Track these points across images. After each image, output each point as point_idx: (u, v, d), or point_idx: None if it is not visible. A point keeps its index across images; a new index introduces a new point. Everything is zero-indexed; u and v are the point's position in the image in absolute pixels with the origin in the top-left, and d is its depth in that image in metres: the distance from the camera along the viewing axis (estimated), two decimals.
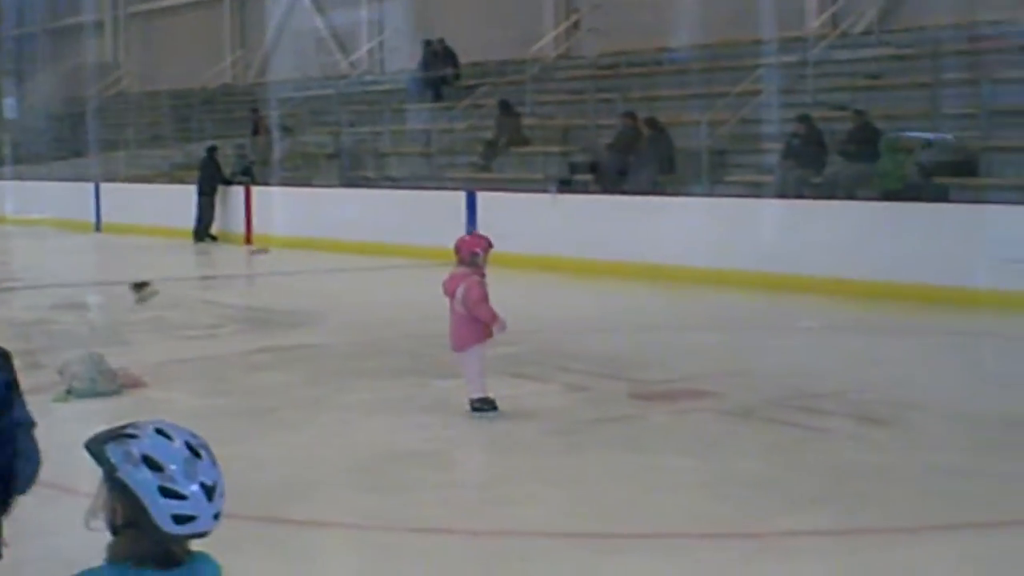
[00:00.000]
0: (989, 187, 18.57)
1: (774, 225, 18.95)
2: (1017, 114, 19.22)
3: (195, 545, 3.32)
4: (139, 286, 17.04)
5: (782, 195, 20.27)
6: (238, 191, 28.95)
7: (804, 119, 20.80)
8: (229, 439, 9.83)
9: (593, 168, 23.62)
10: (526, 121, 26.64)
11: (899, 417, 10.28)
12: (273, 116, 32.73)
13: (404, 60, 33.11)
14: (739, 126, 22.71)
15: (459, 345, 10.51)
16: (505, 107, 26.60)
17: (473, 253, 10.51)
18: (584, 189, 23.28)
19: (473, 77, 30.26)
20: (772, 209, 19.68)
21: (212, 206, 28.84)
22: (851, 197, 19.39)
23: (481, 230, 22.62)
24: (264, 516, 7.73)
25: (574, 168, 24.37)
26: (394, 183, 27.53)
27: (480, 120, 27.70)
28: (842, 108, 21.37)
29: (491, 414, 10.35)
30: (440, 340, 14.35)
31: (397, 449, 9.48)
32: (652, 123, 22.85)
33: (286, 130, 32.01)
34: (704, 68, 24.67)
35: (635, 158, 22.59)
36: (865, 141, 19.78)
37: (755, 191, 21.02)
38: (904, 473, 8.74)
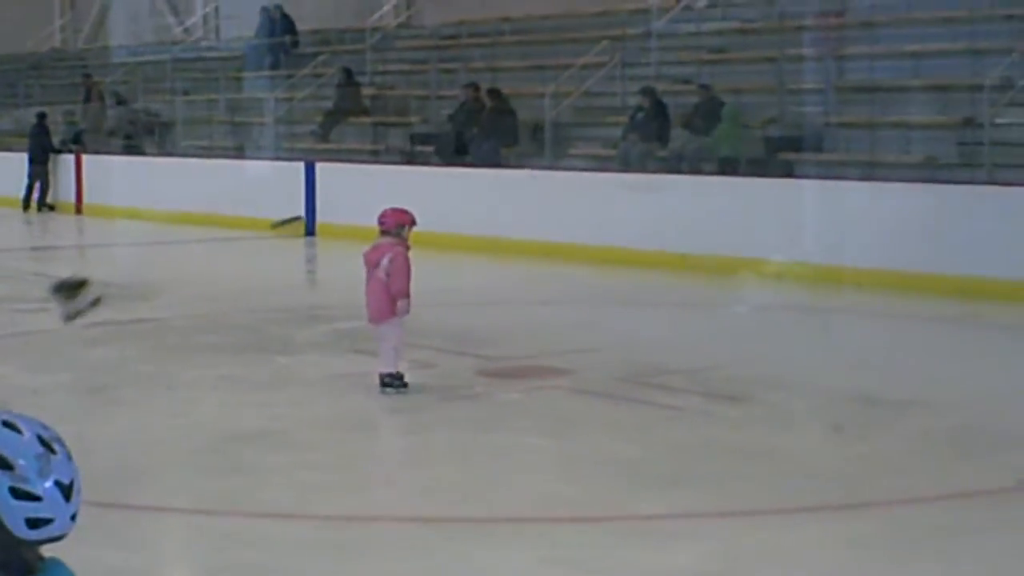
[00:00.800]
0: (834, 163, 18.61)
1: (618, 199, 18.78)
2: (861, 90, 19.28)
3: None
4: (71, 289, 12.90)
5: (626, 168, 20.14)
6: (68, 159, 28.22)
7: (648, 92, 20.68)
8: (63, 418, 9.34)
9: (434, 140, 23.34)
10: (366, 91, 26.25)
11: (752, 395, 10.15)
12: (106, 83, 31.93)
13: (241, 27, 32.47)
14: (583, 99, 22.53)
15: (378, 316, 10.21)
16: (345, 76, 26.19)
17: (400, 225, 10.41)
18: (425, 161, 22.99)
19: (312, 45, 29.76)
20: (616, 183, 19.52)
21: (46, 174, 28.08)
22: (695, 171, 19.33)
23: (320, 202, 22.39)
24: (101, 501, 7.30)
25: (415, 140, 24.07)
26: (231, 153, 27.00)
27: (319, 89, 27.25)
28: (687, 81, 21.31)
29: (401, 391, 10.03)
30: (280, 315, 14.11)
31: (240, 429, 9.14)
32: (495, 94, 22.61)
33: (119, 97, 31.25)
34: (548, 40, 24.47)
35: (477, 130, 22.34)
36: (710, 115, 19.74)
37: (599, 164, 20.88)
38: (759, 453, 8.59)
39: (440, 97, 24.66)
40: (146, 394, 10.29)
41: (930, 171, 17.47)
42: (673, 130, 20.39)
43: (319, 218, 22.42)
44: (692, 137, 19.91)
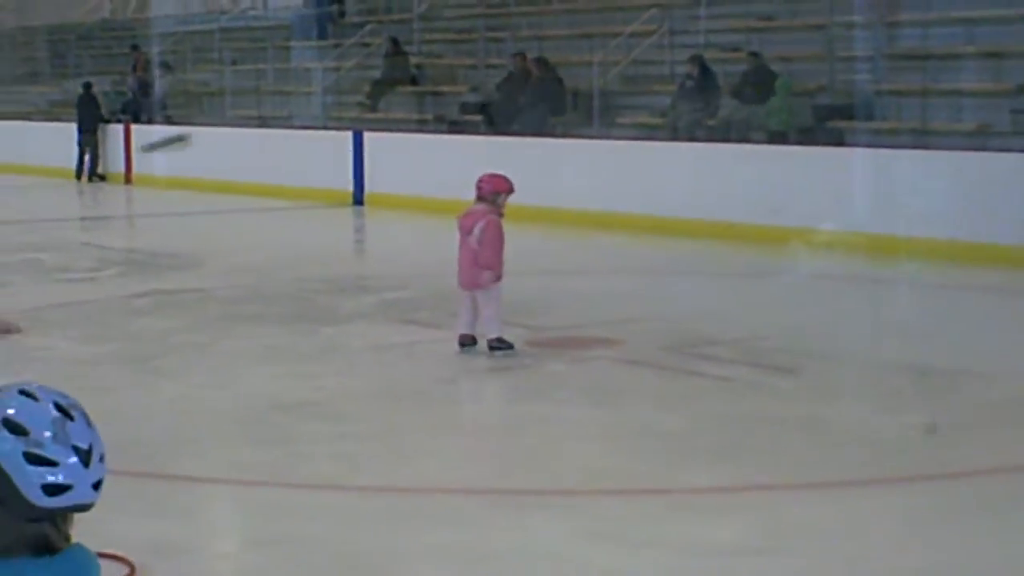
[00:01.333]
0: (884, 131, 18.43)
1: (668, 168, 18.65)
2: (912, 58, 19.07)
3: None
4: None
5: (675, 138, 20.00)
6: (117, 130, 28.25)
7: (696, 60, 20.53)
8: (109, 388, 9.45)
9: (483, 109, 23.24)
10: (414, 60, 26.15)
11: (802, 366, 10.04)
12: (154, 53, 31.94)
13: None
14: (631, 67, 22.39)
15: (471, 283, 10.22)
16: (393, 45, 26.10)
17: (496, 192, 10.37)
18: (473, 130, 22.90)
19: (359, 15, 29.69)
20: (666, 152, 19.38)
21: (96, 144, 28.14)
22: (744, 140, 19.18)
23: (368, 171, 22.34)
24: (145, 472, 7.33)
25: (463, 109, 23.98)
26: (279, 123, 26.98)
27: (367, 59, 27.18)
28: (735, 49, 21.14)
29: (508, 353, 10.08)
30: (327, 285, 14.07)
31: (284, 399, 9.09)
32: (542, 63, 22.48)
33: (166, 67, 31.25)
34: (595, 7, 24.29)
35: (525, 99, 22.22)
36: (760, 83, 19.58)
37: (648, 133, 20.75)
38: (808, 425, 8.49)
39: (488, 66, 24.56)
40: (191, 364, 10.25)
41: (982, 139, 17.28)
42: (722, 98, 20.24)
43: (367, 188, 22.38)
44: (741, 106, 19.76)
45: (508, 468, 7.60)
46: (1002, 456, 7.76)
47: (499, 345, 10.15)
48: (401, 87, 25.60)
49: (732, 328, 11.53)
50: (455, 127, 23.56)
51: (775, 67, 20.19)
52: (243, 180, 24.17)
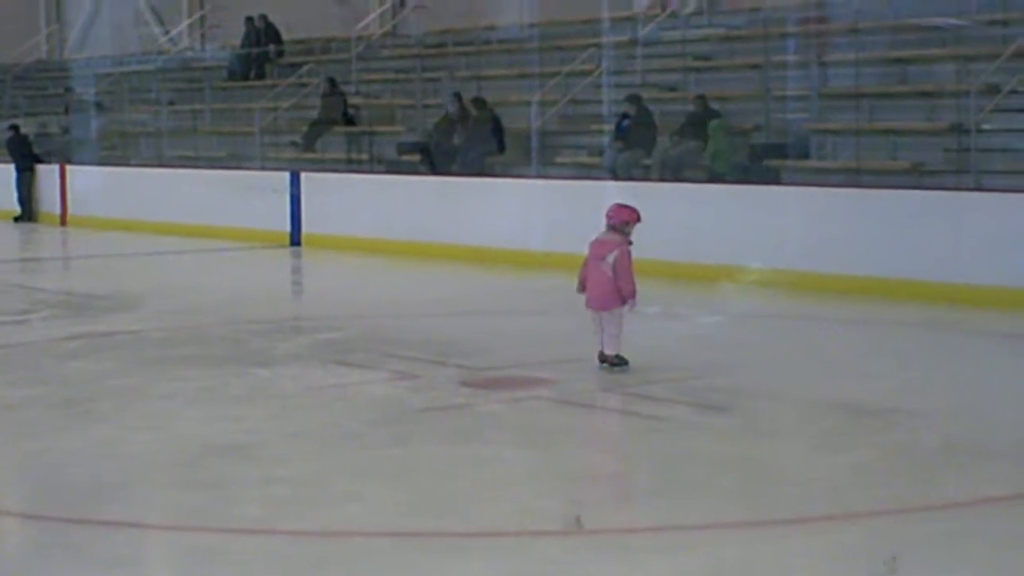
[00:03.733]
0: (819, 170, 18.53)
1: (605, 208, 18.62)
2: (846, 97, 19.19)
3: None
4: None
5: (612, 177, 20.05)
6: (52, 170, 28.09)
7: (634, 100, 20.61)
8: (39, 432, 9.33)
9: (420, 149, 23.24)
10: (352, 100, 26.14)
11: (737, 404, 10.04)
12: (90, 92, 31.79)
13: (226, 36, 32.36)
14: (570, 107, 22.46)
15: (602, 305, 11.11)
16: (330, 86, 26.08)
17: (625, 222, 11.28)
18: (411, 171, 22.89)
19: (297, 55, 29.68)
20: (603, 191, 19.39)
21: (29, 184, 28.02)
22: (679, 179, 19.23)
23: (306, 212, 22.26)
24: (72, 517, 7.24)
25: (400, 149, 23.96)
26: (216, 163, 26.88)
27: (305, 99, 27.15)
28: (672, 89, 21.24)
29: (624, 369, 11.00)
30: (262, 326, 13.98)
31: (215, 442, 8.99)
32: (480, 103, 22.51)
33: (101, 107, 31.12)
34: (533, 48, 24.37)
35: (463, 139, 22.23)
36: (702, 125, 19.68)
37: (586, 172, 20.80)
38: (743, 463, 8.47)
39: (426, 106, 24.60)
40: (122, 408, 10.14)
41: (916, 177, 17.40)
42: (659, 137, 20.31)
43: (304, 228, 22.30)
44: (678, 144, 19.82)
45: (439, 511, 7.53)
46: (932, 495, 7.77)
47: (617, 362, 11.04)
48: (338, 127, 25.57)
49: (667, 367, 11.52)
50: (392, 167, 23.55)
51: (712, 107, 20.29)
52: (180, 221, 24.05)
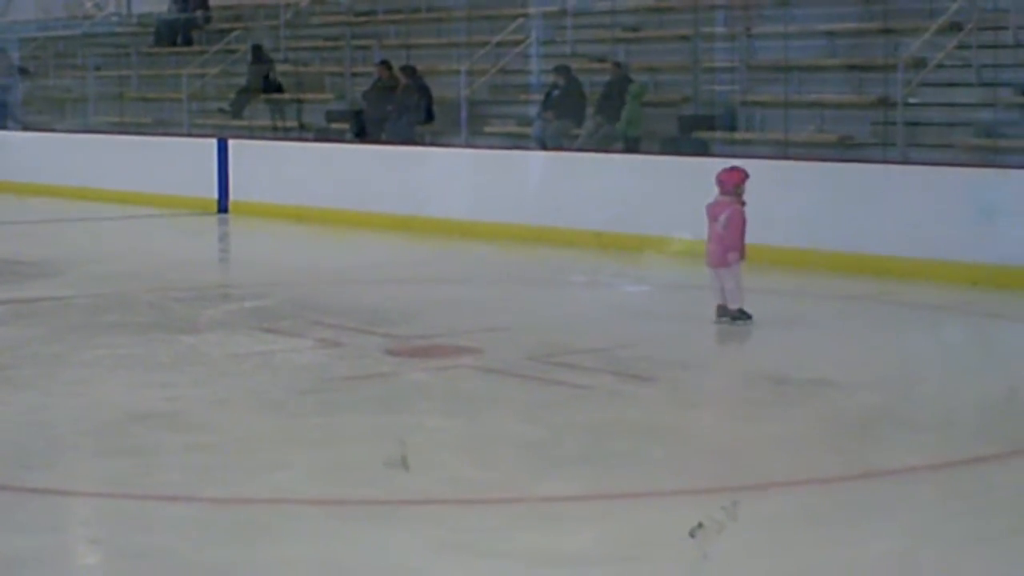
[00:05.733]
0: (747, 141, 18.60)
1: (535, 177, 18.68)
2: (775, 69, 19.25)
3: None
4: None
5: (541, 147, 20.05)
6: None
7: (563, 70, 20.60)
8: None
9: (350, 117, 23.15)
10: (280, 68, 25.99)
11: (662, 374, 10.08)
12: (14, 58, 31.44)
13: (153, 2, 32.07)
14: (499, 76, 22.42)
15: (719, 263, 11.77)
16: (258, 53, 25.91)
17: (736, 185, 11.89)
18: (339, 139, 22.81)
19: (225, 21, 29.46)
20: (533, 161, 19.42)
21: None
22: (607, 150, 19.27)
23: (233, 179, 22.13)
24: None
25: (329, 117, 23.87)
26: (142, 129, 26.68)
27: (232, 66, 26.96)
28: (602, 60, 21.24)
29: (748, 322, 11.71)
30: (188, 293, 13.90)
31: (139, 409, 8.93)
32: (409, 72, 22.44)
33: (26, 72, 30.80)
34: (463, 17, 24.29)
35: (392, 107, 22.17)
36: (621, 94, 19.71)
37: (515, 142, 20.79)
38: (667, 433, 8.52)
39: (354, 74, 24.50)
40: (46, 375, 10.05)
41: (844, 150, 17.50)
42: (588, 108, 20.32)
43: (232, 196, 22.17)
44: (602, 116, 19.86)
45: (364, 479, 7.52)
46: (853, 464, 7.83)
47: (739, 315, 11.71)
48: (266, 95, 25.42)
49: (594, 337, 11.55)
50: (321, 135, 23.45)
51: (641, 78, 20.33)
52: (106, 188, 23.85)
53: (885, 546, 6.42)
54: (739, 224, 11.78)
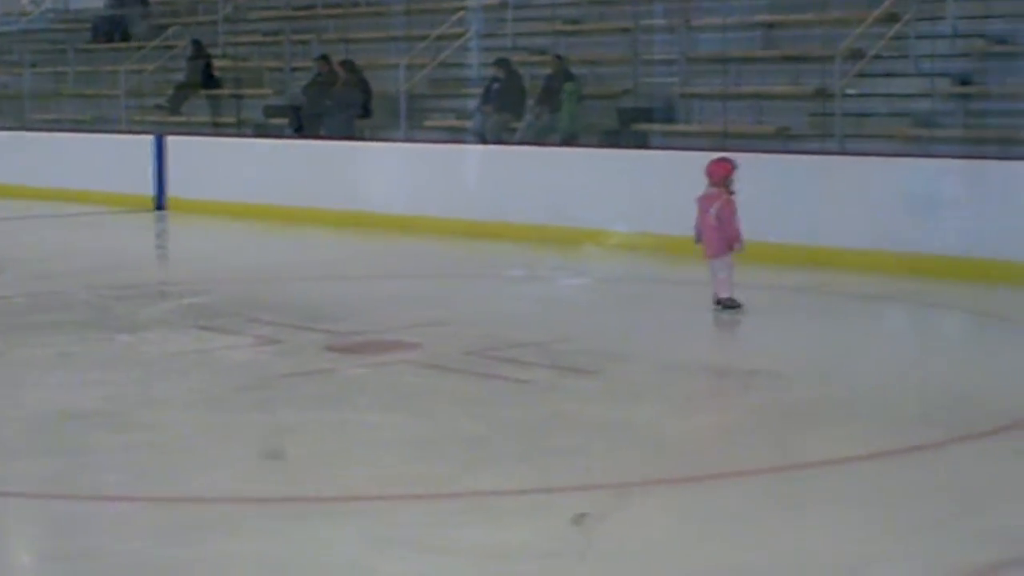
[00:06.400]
0: (687, 133, 18.63)
1: (475, 171, 18.65)
2: (714, 61, 19.29)
3: None
4: None
5: (481, 141, 20.03)
6: None
7: (503, 63, 20.58)
8: None
9: (288, 112, 23.05)
10: (218, 63, 25.85)
11: (602, 367, 10.07)
12: None
13: None
14: (439, 70, 22.37)
15: (710, 252, 12.07)
16: (196, 48, 25.77)
17: (724, 176, 12.17)
18: (278, 134, 22.72)
19: (163, 16, 29.29)
20: (472, 155, 19.38)
21: None
22: (546, 143, 19.27)
23: (171, 176, 22.01)
24: None
25: (268, 112, 23.76)
26: (80, 127, 26.49)
27: (171, 62, 26.81)
28: (542, 53, 21.24)
29: (738, 311, 11.96)
30: (126, 291, 13.81)
31: (76, 409, 8.88)
32: (348, 66, 22.38)
33: None
34: (402, 11, 24.23)
35: (331, 102, 22.09)
36: (561, 88, 19.71)
37: (455, 136, 20.75)
38: (607, 426, 8.50)
39: (294, 69, 24.40)
40: None
41: (782, 141, 17.55)
42: (529, 101, 20.31)
43: (170, 192, 22.04)
44: (544, 110, 19.85)
45: (302, 476, 7.49)
46: (792, 455, 7.86)
47: (730, 304, 11.99)
48: (205, 90, 25.28)
49: (534, 331, 11.54)
50: (260, 131, 23.34)
51: (581, 71, 20.35)
52: (42, 185, 23.66)
53: (824, 535, 6.45)
54: (730, 214, 12.07)
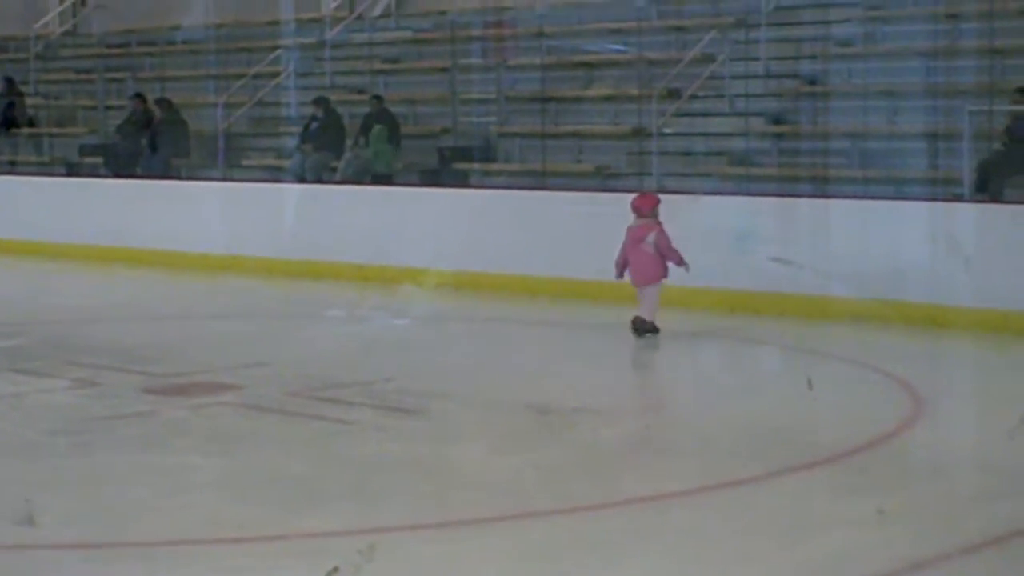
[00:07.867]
0: (507, 172, 18.72)
1: (293, 210, 18.55)
2: (532, 100, 19.43)
3: None
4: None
5: (299, 180, 19.94)
6: None
7: (322, 101, 20.52)
8: None
9: (103, 151, 22.74)
10: (31, 101, 25.43)
11: (425, 407, 10.05)
12: None
13: None
14: (256, 109, 22.24)
15: (644, 280, 12.76)
16: (8, 86, 25.33)
17: (652, 207, 12.90)
18: (93, 173, 22.39)
19: None
20: (291, 194, 19.28)
21: None
22: (359, 182, 19.24)
23: None
24: None
25: (83, 151, 23.41)
26: None
27: None
28: (361, 91, 21.23)
29: (655, 336, 12.66)
30: None
31: None
32: (165, 104, 22.16)
33: None
34: (219, 49, 24.06)
35: (147, 141, 21.85)
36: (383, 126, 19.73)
37: (274, 175, 20.63)
38: (430, 466, 8.49)
39: (108, 107, 24.06)
40: None
41: (601, 180, 17.72)
42: (348, 140, 20.28)
43: None
44: (362, 148, 19.84)
45: (124, 520, 7.35)
46: (614, 492, 7.90)
47: (651, 328, 12.68)
48: (17, 129, 24.85)
49: (355, 371, 11.50)
50: (74, 170, 22.99)
51: (400, 109, 20.38)
52: None
53: (643, 572, 6.48)
54: (667, 241, 12.72)
